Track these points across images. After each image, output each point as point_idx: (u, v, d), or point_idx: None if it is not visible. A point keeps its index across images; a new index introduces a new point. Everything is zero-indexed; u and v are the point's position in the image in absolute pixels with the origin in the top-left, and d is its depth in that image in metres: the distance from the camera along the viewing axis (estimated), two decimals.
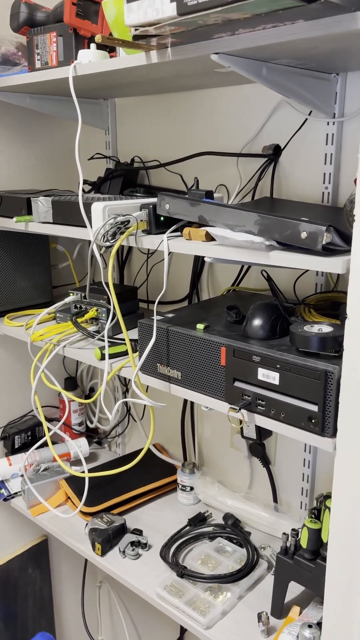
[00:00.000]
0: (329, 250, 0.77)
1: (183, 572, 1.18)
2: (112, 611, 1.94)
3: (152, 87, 1.25)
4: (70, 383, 1.71)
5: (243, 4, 0.61)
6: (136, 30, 0.75)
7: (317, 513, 1.07)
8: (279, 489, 1.37)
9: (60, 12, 1.12)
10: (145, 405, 1.59)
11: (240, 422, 0.93)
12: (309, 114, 1.12)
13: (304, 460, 1.28)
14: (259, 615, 1.08)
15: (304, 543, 1.05)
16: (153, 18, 0.69)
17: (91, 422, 1.79)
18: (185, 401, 1.52)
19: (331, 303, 1.05)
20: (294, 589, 1.18)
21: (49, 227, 1.17)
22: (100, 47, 1.09)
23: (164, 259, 1.48)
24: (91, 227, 1.05)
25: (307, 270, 1.18)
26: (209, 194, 1.02)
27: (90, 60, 1.04)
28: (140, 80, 1.14)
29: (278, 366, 0.85)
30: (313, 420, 0.82)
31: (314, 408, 0.82)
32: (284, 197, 1.21)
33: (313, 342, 0.83)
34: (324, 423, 0.82)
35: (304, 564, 1.04)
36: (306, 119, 1.13)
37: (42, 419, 1.24)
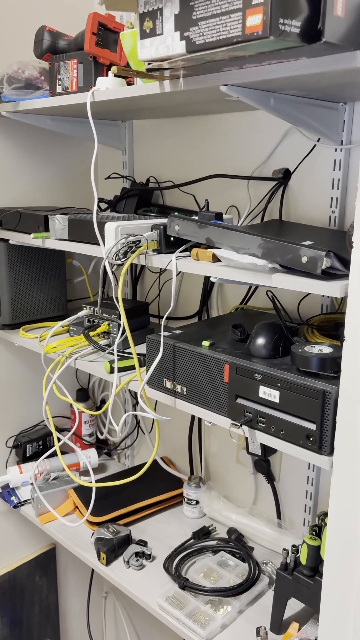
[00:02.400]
0: (328, 275, 0.80)
1: (185, 584, 1.21)
2: (117, 622, 1.96)
3: (167, 111, 1.30)
4: (82, 394, 1.75)
5: (247, 45, 0.65)
6: (149, 64, 0.80)
7: (317, 530, 1.09)
8: (283, 505, 1.38)
9: (81, 40, 1.18)
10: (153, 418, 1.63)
11: (246, 440, 0.96)
12: (318, 141, 1.16)
13: (308, 478, 1.30)
14: (258, 630, 1.10)
15: (303, 560, 1.06)
16: (164, 54, 0.74)
17: (101, 434, 1.82)
18: (193, 416, 1.55)
19: (334, 324, 1.08)
20: (295, 606, 1.19)
21: (65, 244, 1.21)
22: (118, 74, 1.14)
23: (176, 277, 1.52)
24: (104, 245, 1.09)
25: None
26: (219, 216, 1.05)
27: (107, 87, 1.09)
28: (155, 106, 1.19)
29: (278, 384, 0.88)
30: (311, 439, 0.85)
31: (312, 426, 0.85)
32: (292, 220, 1.24)
33: (313, 362, 0.86)
34: (322, 441, 0.84)
35: (302, 581, 1.06)
36: (315, 145, 1.17)
37: (52, 429, 1.28)
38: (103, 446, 1.82)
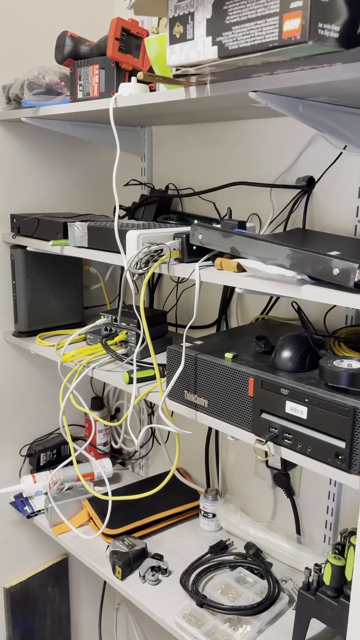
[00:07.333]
0: (358, 287, 0.77)
1: (203, 602, 1.17)
2: (129, 634, 1.93)
3: (189, 117, 1.28)
4: (97, 403, 1.73)
5: (283, 50, 0.63)
6: (177, 70, 0.77)
7: (340, 548, 1.06)
8: (303, 520, 1.35)
9: (103, 46, 1.16)
10: None
11: (266, 454, 0.93)
12: (344, 148, 1.13)
13: (329, 493, 1.26)
14: None
15: (327, 580, 1.03)
16: (194, 60, 0.72)
17: (116, 443, 1.80)
18: (210, 427, 1.52)
19: None
20: (316, 626, 1.15)
21: (84, 251, 1.19)
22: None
23: (193, 286, 1.50)
24: (125, 254, 1.07)
25: None
26: (242, 224, 1.03)
27: (130, 93, 1.08)
28: (177, 112, 1.17)
29: (306, 400, 0.85)
30: (340, 457, 0.82)
31: (342, 444, 0.82)
32: (316, 229, 1.21)
33: (342, 378, 0.83)
34: (351, 460, 0.81)
35: (326, 601, 1.02)
36: (341, 153, 1.14)
37: (69, 440, 1.25)
38: (117, 455, 1.80)
